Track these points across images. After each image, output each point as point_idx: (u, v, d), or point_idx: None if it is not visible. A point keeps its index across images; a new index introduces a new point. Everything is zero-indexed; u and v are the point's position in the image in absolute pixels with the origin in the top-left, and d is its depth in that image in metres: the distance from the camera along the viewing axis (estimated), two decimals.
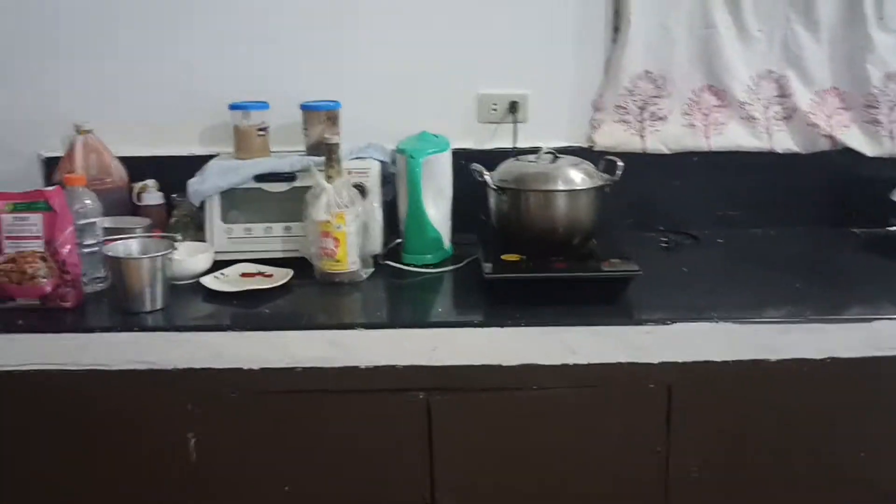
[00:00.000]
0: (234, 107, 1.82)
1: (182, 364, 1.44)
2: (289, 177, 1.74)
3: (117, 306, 1.52)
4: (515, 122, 1.97)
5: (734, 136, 1.96)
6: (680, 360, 1.47)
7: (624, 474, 1.52)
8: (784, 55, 1.93)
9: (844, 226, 1.96)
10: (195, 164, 1.80)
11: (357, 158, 1.78)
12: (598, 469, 1.52)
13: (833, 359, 1.47)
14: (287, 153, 1.83)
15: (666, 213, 1.98)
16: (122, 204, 1.84)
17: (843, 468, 1.53)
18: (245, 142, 1.81)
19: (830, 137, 1.94)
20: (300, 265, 1.67)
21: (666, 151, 1.96)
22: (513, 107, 1.97)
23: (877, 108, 1.92)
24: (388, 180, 1.82)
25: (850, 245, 1.89)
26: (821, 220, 1.97)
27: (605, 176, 1.71)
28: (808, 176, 1.96)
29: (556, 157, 1.72)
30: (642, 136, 1.96)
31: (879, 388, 1.50)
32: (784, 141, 1.95)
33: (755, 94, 1.95)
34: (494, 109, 1.97)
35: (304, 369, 1.45)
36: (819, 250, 1.88)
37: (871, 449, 1.52)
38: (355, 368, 1.45)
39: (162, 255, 1.50)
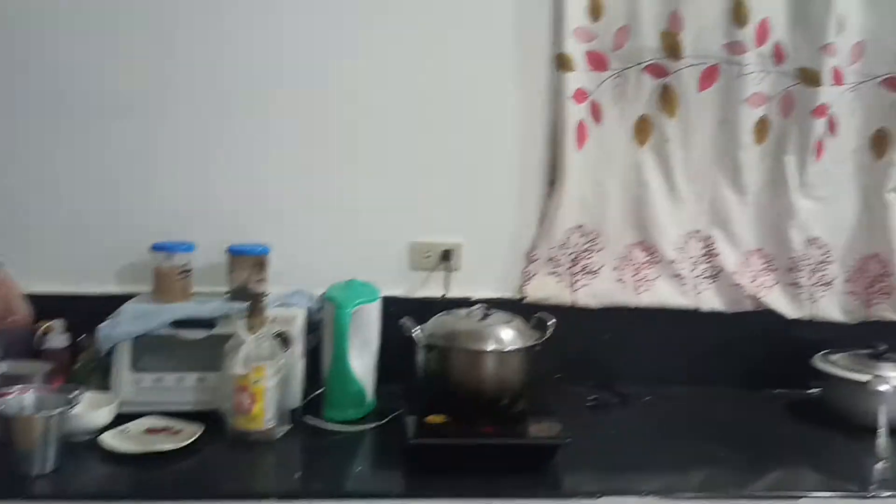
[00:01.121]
0: (156, 247, 1.75)
1: None
2: (208, 324, 1.66)
3: (4, 467, 1.38)
4: (448, 270, 1.95)
5: (662, 293, 1.97)
6: None
7: None
8: (712, 216, 1.98)
9: (767, 387, 1.96)
10: (109, 304, 1.71)
11: (282, 305, 1.72)
12: None
13: None
14: (208, 296, 1.76)
15: (596, 368, 1.95)
16: (23, 344, 1.72)
17: None
18: (165, 284, 1.74)
19: (754, 298, 1.96)
20: (213, 419, 1.58)
21: (595, 305, 1.96)
22: (446, 255, 1.95)
23: (798, 271, 1.96)
24: (313, 327, 1.76)
25: (771, 408, 1.89)
26: (745, 379, 1.96)
27: (536, 334, 1.68)
28: (733, 336, 1.97)
29: (487, 313, 1.69)
30: (573, 290, 1.96)
31: None
32: (710, 300, 1.97)
33: (683, 253, 1.98)
34: (427, 257, 1.95)
35: None
36: (741, 412, 1.87)
37: None
38: None
39: (58, 413, 1.39)
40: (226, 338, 1.61)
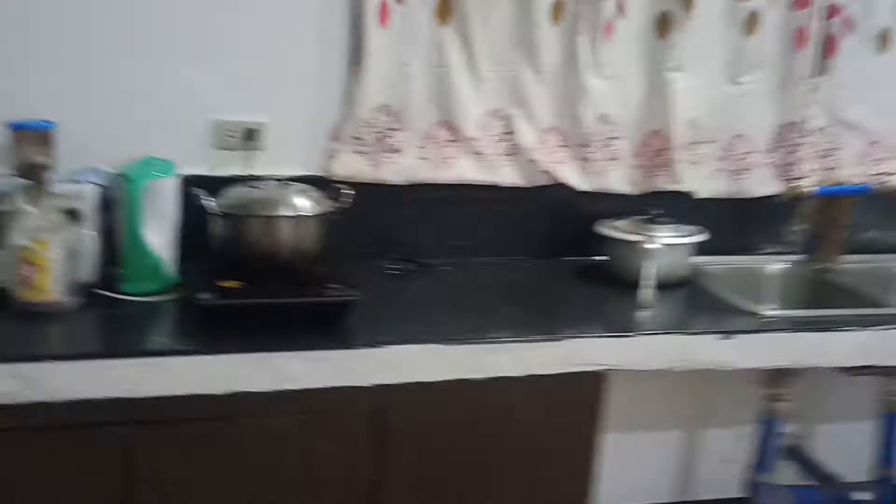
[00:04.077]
0: None
1: None
2: None
3: None
4: (252, 149, 1.95)
5: (464, 170, 2.05)
6: (392, 383, 1.51)
7: (336, 500, 1.53)
8: (511, 95, 2.06)
9: (560, 255, 2.10)
10: None
11: (71, 182, 1.69)
12: (312, 496, 1.52)
13: (532, 376, 1.57)
14: None
15: (401, 242, 2.03)
16: None
17: (535, 483, 1.63)
18: None
19: (549, 173, 2.08)
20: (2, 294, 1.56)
21: (401, 182, 2.03)
22: (249, 134, 1.95)
23: (589, 146, 2.09)
24: (109, 206, 1.74)
25: (561, 272, 2.04)
26: (540, 249, 2.10)
27: (332, 203, 1.73)
28: (530, 209, 2.09)
29: (285, 185, 1.73)
30: (378, 167, 2.01)
31: (572, 402, 1.61)
32: (509, 175, 2.07)
33: (485, 131, 2.06)
34: (231, 136, 1.95)
35: None
36: (532, 277, 2.01)
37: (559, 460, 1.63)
38: (45, 405, 1.36)
39: None
40: (11, 215, 1.57)
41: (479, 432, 1.59)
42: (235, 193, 1.71)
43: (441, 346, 1.54)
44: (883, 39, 2.17)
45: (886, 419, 2.13)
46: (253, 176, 1.90)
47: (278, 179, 1.75)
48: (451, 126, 2.04)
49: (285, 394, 1.46)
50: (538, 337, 1.60)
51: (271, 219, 1.66)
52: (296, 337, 1.51)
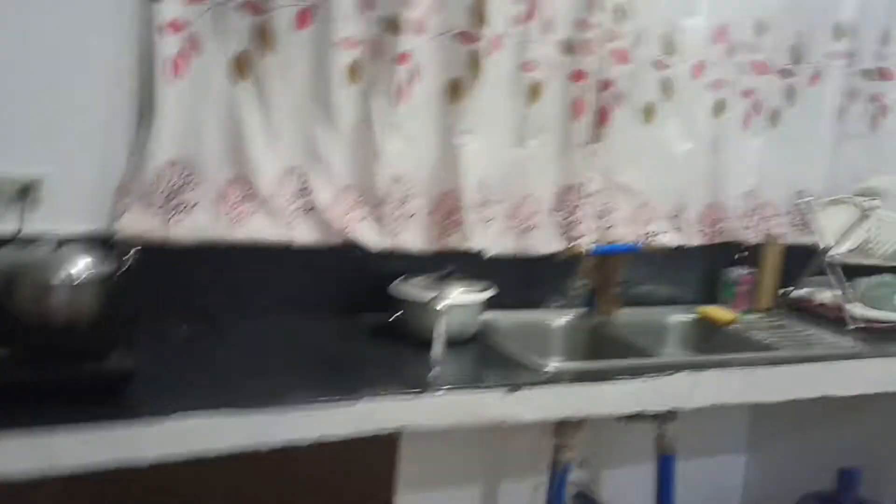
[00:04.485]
0: None
1: None
2: None
3: None
4: (26, 204, 1.83)
5: (257, 228, 2.03)
6: (177, 456, 1.45)
7: None
8: (308, 153, 2.07)
9: (356, 313, 2.12)
10: None
11: None
12: None
13: (326, 440, 1.56)
14: None
15: (192, 303, 1.96)
16: None
17: None
18: None
19: (344, 232, 2.10)
20: None
21: (191, 241, 1.97)
22: (25, 188, 1.82)
23: (384, 205, 2.13)
24: None
25: (355, 331, 2.06)
26: (336, 308, 2.11)
27: (116, 264, 1.65)
28: (326, 267, 2.10)
29: (63, 243, 1.63)
30: (168, 225, 1.94)
31: (367, 464, 1.62)
32: (304, 234, 2.07)
33: (280, 189, 2.05)
34: (2, 190, 1.81)
35: None
36: (326, 337, 2.01)
37: None
38: None
39: None
40: None
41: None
42: (4, 256, 1.59)
43: (231, 414, 1.50)
44: (648, 112, 2.40)
45: (661, 461, 2.31)
46: (27, 235, 1.78)
47: (57, 239, 1.65)
48: (245, 183, 2.02)
49: (50, 481, 1.36)
50: (331, 399, 1.59)
51: (44, 284, 1.55)
52: (69, 412, 1.41)
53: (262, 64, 1.98)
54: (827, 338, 2.33)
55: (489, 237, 2.26)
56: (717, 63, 2.45)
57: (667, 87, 2.39)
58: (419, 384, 1.73)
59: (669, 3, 2.35)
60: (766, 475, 2.68)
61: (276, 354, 1.85)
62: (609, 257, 2.35)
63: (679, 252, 2.50)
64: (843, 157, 2.68)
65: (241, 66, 1.98)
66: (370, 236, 2.13)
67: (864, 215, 2.42)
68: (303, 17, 2.00)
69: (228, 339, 1.91)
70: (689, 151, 2.47)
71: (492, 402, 1.76)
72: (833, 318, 2.45)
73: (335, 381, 1.71)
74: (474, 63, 2.14)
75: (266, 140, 2.02)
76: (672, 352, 2.40)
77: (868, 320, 2.42)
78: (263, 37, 1.97)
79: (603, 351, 2.20)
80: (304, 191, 2.07)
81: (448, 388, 1.73)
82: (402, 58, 2.08)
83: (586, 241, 2.34)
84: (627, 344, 2.20)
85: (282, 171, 2.05)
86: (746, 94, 2.53)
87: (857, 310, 2.44)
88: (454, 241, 2.21)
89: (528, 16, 2.19)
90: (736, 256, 2.56)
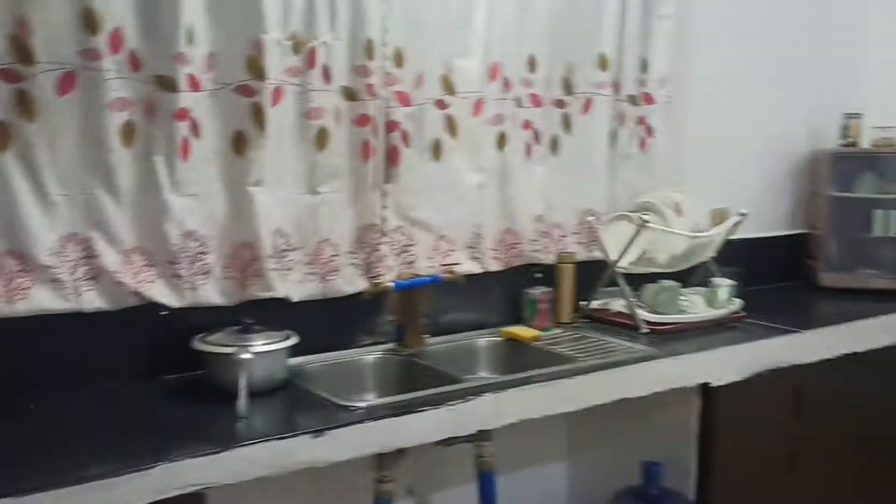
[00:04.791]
0: None
1: None
2: None
3: None
4: None
5: (41, 300, 1.94)
6: None
7: None
8: (88, 219, 2.00)
9: (158, 375, 2.07)
10: None
11: None
12: None
13: None
14: None
15: None
16: None
17: None
18: None
19: (137, 293, 2.05)
20: None
21: None
22: None
23: (178, 263, 2.10)
24: None
25: (158, 393, 2.00)
26: (136, 371, 2.05)
27: None
28: (123, 331, 2.04)
29: None
30: None
31: None
32: (92, 300, 2.00)
33: (61, 257, 1.97)
34: None
35: None
36: (129, 403, 1.95)
37: None
38: None
39: None
40: None
41: None
42: None
43: (17, 499, 1.42)
44: (435, 149, 2.50)
45: (482, 479, 2.38)
46: None
47: None
48: (21, 255, 1.93)
49: None
50: (130, 469, 1.54)
51: None
52: None
53: (25, 132, 1.91)
54: (622, 344, 2.50)
55: (291, 284, 2.27)
56: (495, 99, 2.60)
57: (451, 125, 2.51)
58: (223, 440, 1.70)
59: (444, 46, 2.48)
60: (586, 477, 2.81)
61: (74, 427, 1.76)
62: (413, 291, 2.41)
63: (480, 278, 2.61)
64: (619, 177, 2.91)
65: (3, 136, 1.89)
66: (166, 295, 2.08)
67: (641, 228, 2.63)
68: (67, 81, 1.95)
69: (20, 415, 1.80)
70: (478, 184, 2.60)
71: (299, 448, 1.75)
72: (627, 326, 2.63)
73: (135, 447, 1.65)
74: (258, 114, 2.16)
75: (40, 209, 1.95)
76: (482, 375, 2.49)
77: (656, 324, 2.62)
78: (24, 104, 1.90)
79: (414, 383, 2.25)
80: (88, 258, 2.00)
81: (252, 441, 1.70)
82: (181, 114, 2.06)
83: (388, 278, 2.40)
84: (437, 373, 2.25)
85: (61, 239, 1.98)
86: (526, 125, 2.70)
87: (646, 315, 2.64)
88: (257, 291, 2.20)
89: (307, 65, 2.24)
90: (533, 276, 2.70)
